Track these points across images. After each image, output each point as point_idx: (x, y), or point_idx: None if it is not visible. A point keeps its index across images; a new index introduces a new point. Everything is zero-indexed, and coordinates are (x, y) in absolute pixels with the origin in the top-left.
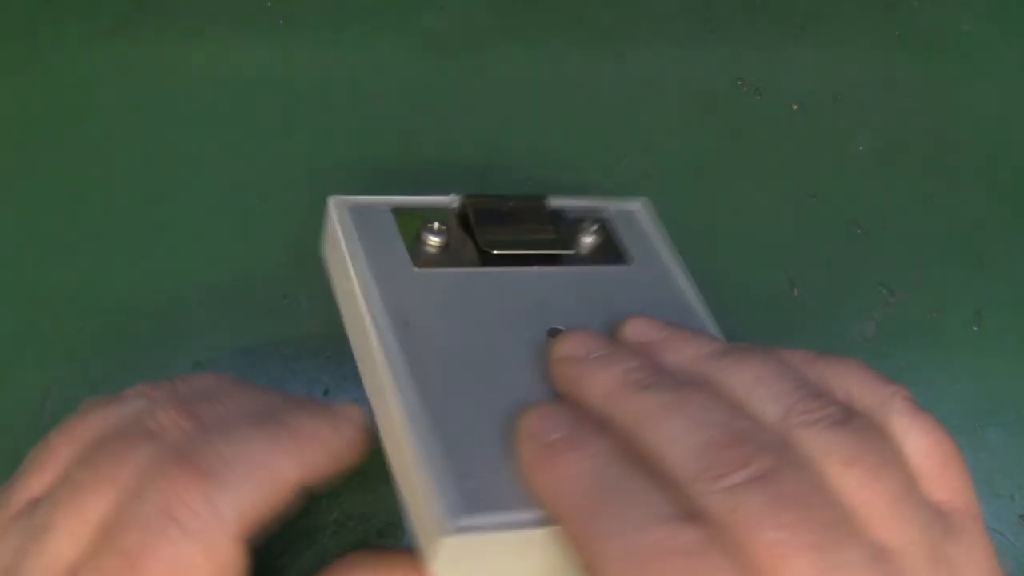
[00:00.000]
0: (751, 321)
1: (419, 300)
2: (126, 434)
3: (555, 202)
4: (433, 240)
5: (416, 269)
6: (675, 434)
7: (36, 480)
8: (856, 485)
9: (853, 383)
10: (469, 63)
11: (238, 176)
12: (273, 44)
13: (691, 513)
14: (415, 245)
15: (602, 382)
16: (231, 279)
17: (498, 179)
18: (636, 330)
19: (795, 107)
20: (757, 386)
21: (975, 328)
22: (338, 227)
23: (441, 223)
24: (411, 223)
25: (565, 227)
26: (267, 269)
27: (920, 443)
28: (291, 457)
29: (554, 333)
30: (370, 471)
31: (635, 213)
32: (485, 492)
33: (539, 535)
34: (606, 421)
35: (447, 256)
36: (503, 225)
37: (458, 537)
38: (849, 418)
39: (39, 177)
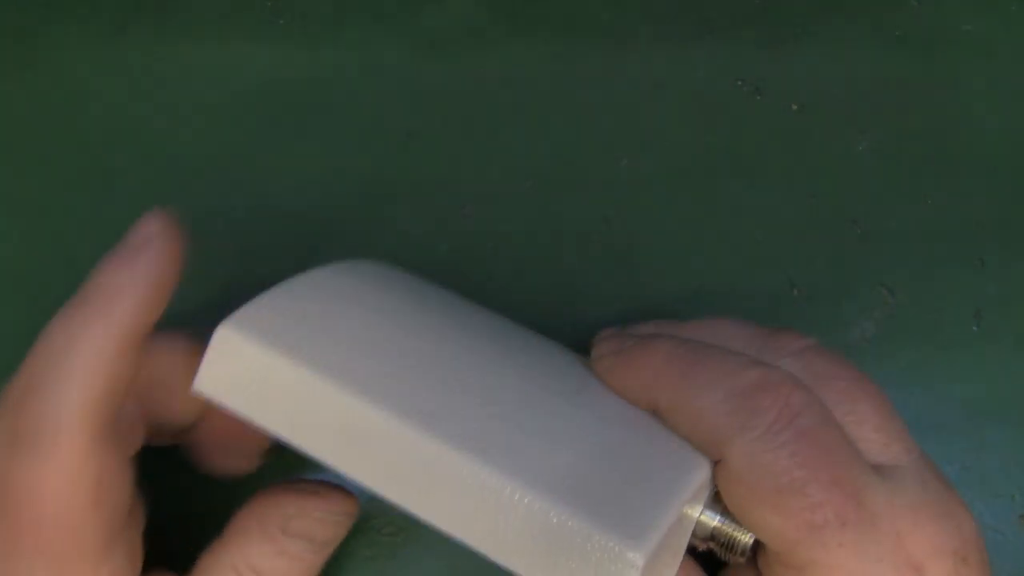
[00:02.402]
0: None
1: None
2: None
3: None
4: None
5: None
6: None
7: None
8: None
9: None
10: (469, 63)
11: (238, 176)
12: (273, 44)
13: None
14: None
15: (645, 360)
16: (231, 280)
17: (498, 179)
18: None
19: (795, 107)
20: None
21: (975, 328)
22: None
23: None
24: None
25: None
26: (267, 270)
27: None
28: (101, 321)
29: None
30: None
31: None
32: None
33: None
34: (656, 389)
35: None
36: None
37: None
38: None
39: (39, 177)
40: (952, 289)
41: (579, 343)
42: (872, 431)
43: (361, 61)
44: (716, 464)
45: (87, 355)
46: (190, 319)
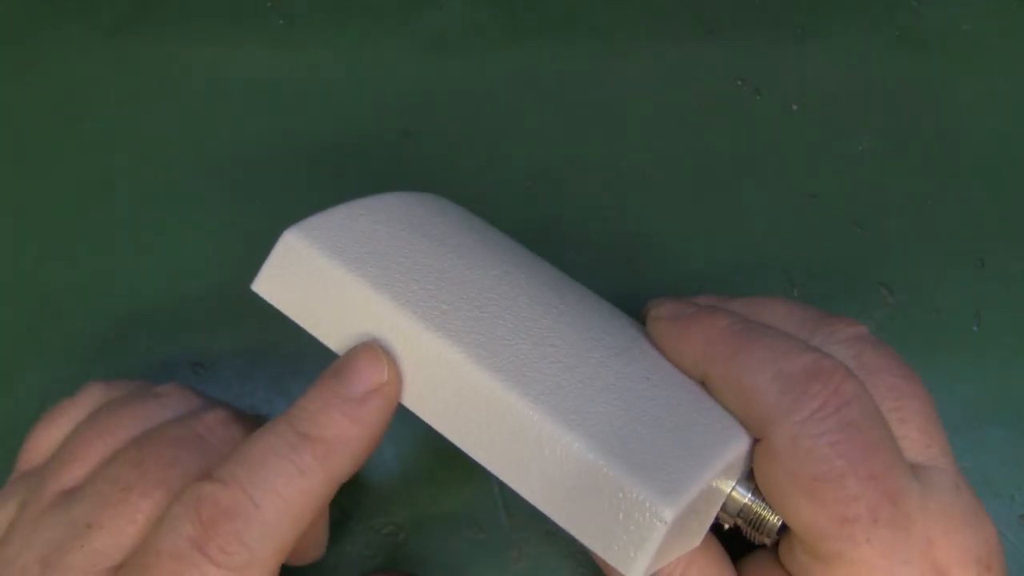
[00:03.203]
0: None
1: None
2: (175, 438)
3: None
4: None
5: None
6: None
7: (68, 472)
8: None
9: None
10: (469, 63)
11: (238, 176)
12: (273, 44)
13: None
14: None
15: (703, 327)
16: (231, 279)
17: (498, 179)
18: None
19: (795, 107)
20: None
21: (975, 328)
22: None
23: None
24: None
25: None
26: None
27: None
28: (318, 476)
29: None
30: (372, 471)
31: None
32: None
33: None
34: (708, 360)
35: None
36: None
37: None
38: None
39: (39, 177)
40: (952, 289)
41: None
42: (915, 430)
43: (361, 61)
44: (756, 443)
45: (301, 500)
46: (190, 318)
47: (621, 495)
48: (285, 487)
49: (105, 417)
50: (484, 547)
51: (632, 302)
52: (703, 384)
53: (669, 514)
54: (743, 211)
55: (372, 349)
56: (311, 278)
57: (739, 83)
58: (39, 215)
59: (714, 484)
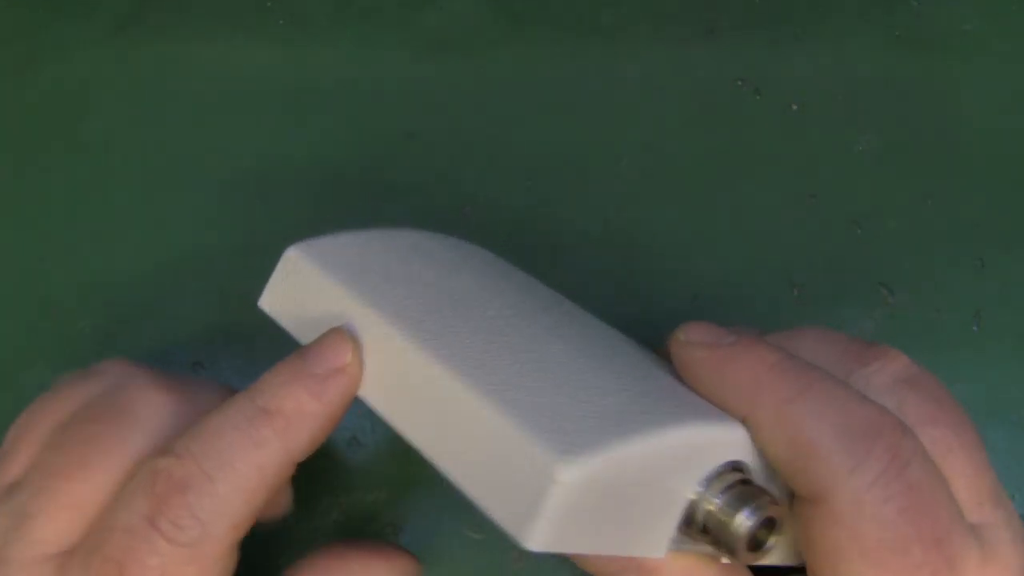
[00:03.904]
0: (751, 321)
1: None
2: (96, 415)
3: None
4: None
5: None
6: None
7: (14, 463)
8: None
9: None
10: (469, 63)
11: (238, 176)
12: (273, 44)
13: None
14: None
15: (749, 363)
16: (231, 279)
17: (498, 179)
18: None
19: (795, 107)
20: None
21: (975, 328)
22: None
23: None
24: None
25: None
26: (267, 269)
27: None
28: (274, 449)
29: None
30: (372, 471)
31: None
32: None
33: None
34: (756, 400)
35: None
36: None
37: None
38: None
39: (39, 177)
40: (952, 289)
41: None
42: (963, 489)
43: (361, 61)
44: (803, 501)
45: (256, 475)
46: (189, 316)
47: (520, 455)
48: (241, 461)
49: (38, 405)
50: (484, 547)
51: (632, 303)
52: (743, 423)
53: (564, 475)
54: (743, 211)
55: (338, 331)
56: (307, 292)
57: (739, 83)
58: (39, 215)
59: (652, 466)
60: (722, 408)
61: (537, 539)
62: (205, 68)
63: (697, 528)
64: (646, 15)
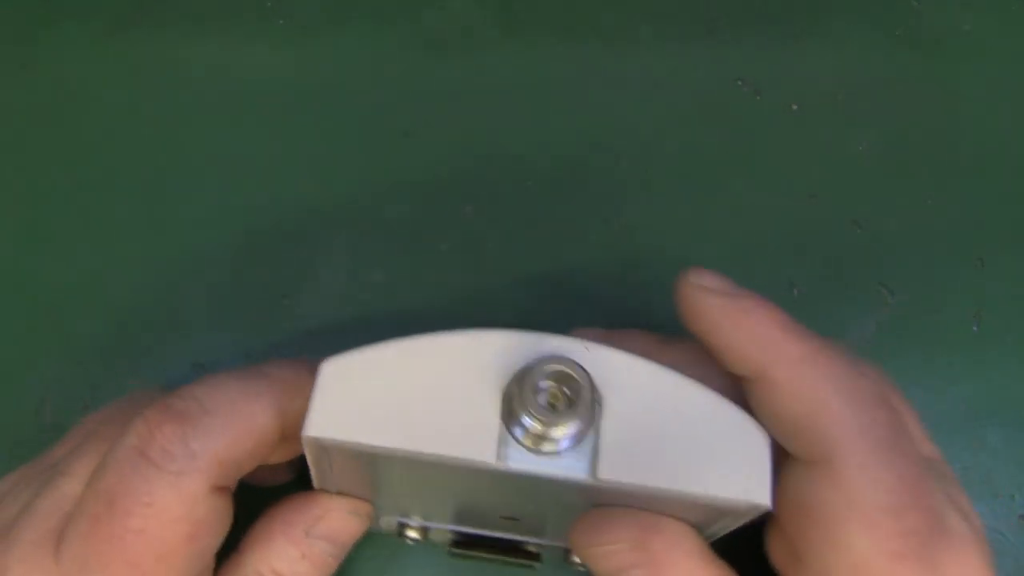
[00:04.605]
0: None
1: None
2: (141, 396)
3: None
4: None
5: None
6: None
7: (61, 447)
8: None
9: None
10: (469, 63)
11: (238, 176)
12: (273, 44)
13: None
14: None
15: (765, 317)
16: (231, 279)
17: (498, 179)
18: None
19: (795, 107)
20: None
21: (975, 328)
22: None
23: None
24: None
25: None
26: (266, 269)
27: None
28: (268, 401)
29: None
30: None
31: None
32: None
33: None
34: (772, 356)
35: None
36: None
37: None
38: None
39: (39, 177)
40: (952, 289)
41: None
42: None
43: (361, 61)
44: (795, 461)
45: (249, 420)
46: (189, 316)
47: None
48: (240, 401)
49: (104, 409)
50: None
51: (631, 303)
52: (749, 383)
53: (326, 366)
54: (743, 211)
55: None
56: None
57: (739, 83)
58: (39, 215)
59: (438, 366)
60: (735, 358)
61: (313, 424)
62: (205, 68)
63: (514, 420)
64: (646, 15)
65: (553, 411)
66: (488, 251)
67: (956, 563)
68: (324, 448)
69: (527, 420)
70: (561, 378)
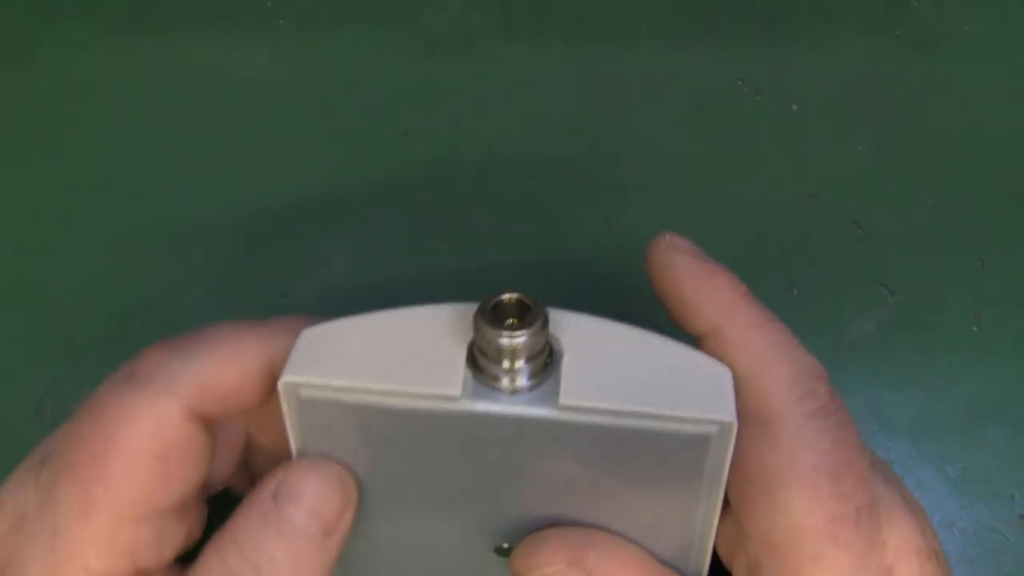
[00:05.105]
0: None
1: None
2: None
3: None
4: None
5: None
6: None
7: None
8: None
9: None
10: (469, 63)
11: (238, 176)
12: (273, 44)
13: None
14: None
15: (727, 282)
16: (231, 279)
17: (498, 179)
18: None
19: (795, 107)
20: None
21: (975, 328)
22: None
23: None
24: None
25: None
26: (266, 269)
27: None
28: (258, 339)
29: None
30: None
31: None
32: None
33: None
34: (729, 318)
35: None
36: None
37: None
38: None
39: (39, 177)
40: (952, 289)
41: None
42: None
43: (361, 61)
44: (745, 428)
45: (235, 350)
46: (190, 318)
47: None
48: (228, 335)
49: None
50: None
51: (632, 303)
52: (703, 339)
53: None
54: (743, 211)
55: None
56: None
57: (739, 83)
58: (39, 215)
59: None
60: (693, 313)
61: (289, 369)
62: (205, 68)
63: (478, 364)
64: (646, 15)
65: (509, 328)
66: (488, 251)
67: (894, 532)
68: (300, 413)
69: (488, 349)
70: (517, 306)
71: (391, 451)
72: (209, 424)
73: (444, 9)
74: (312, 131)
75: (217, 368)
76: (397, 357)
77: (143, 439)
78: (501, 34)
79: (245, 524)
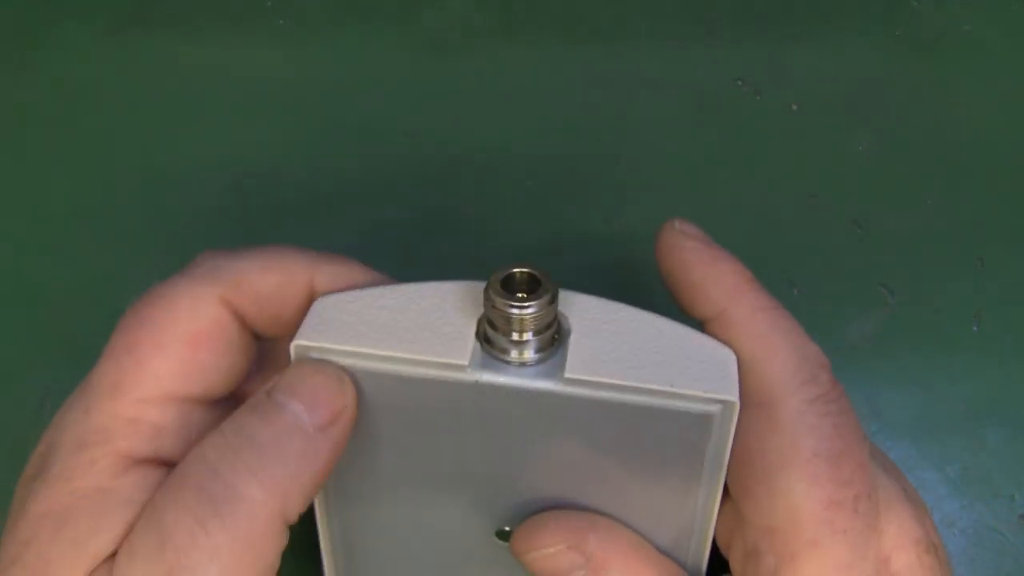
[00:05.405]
0: None
1: None
2: None
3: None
4: None
5: None
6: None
7: None
8: None
9: None
10: (469, 63)
11: (238, 175)
12: (273, 44)
13: None
14: None
15: (734, 268)
16: None
17: (498, 179)
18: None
19: (795, 107)
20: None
21: (975, 328)
22: None
23: None
24: None
25: None
26: None
27: None
28: (305, 257)
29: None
30: None
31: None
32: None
33: None
34: (735, 302)
35: None
36: None
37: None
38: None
39: (39, 177)
40: (952, 289)
41: None
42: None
43: (361, 61)
44: (747, 411)
45: (280, 259)
46: None
47: None
48: (278, 248)
49: None
50: None
51: (631, 302)
52: (708, 323)
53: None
54: (743, 211)
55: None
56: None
57: (739, 83)
58: (39, 215)
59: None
60: (700, 296)
61: (302, 333)
62: (205, 68)
63: (487, 337)
64: (646, 15)
65: (518, 298)
66: (488, 251)
67: (892, 521)
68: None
69: (497, 320)
70: (528, 279)
71: (397, 423)
72: (244, 323)
73: (444, 9)
74: (312, 131)
75: (258, 268)
76: (409, 327)
77: (177, 320)
78: (501, 34)
79: (233, 416)
